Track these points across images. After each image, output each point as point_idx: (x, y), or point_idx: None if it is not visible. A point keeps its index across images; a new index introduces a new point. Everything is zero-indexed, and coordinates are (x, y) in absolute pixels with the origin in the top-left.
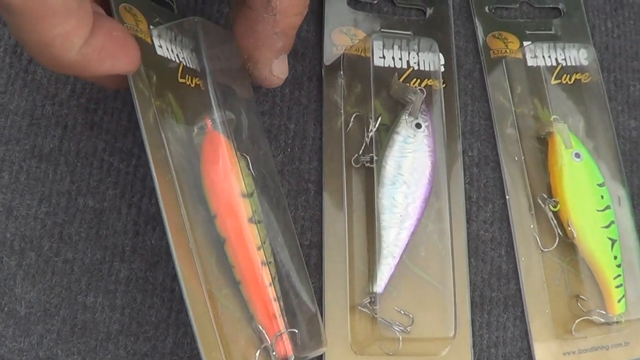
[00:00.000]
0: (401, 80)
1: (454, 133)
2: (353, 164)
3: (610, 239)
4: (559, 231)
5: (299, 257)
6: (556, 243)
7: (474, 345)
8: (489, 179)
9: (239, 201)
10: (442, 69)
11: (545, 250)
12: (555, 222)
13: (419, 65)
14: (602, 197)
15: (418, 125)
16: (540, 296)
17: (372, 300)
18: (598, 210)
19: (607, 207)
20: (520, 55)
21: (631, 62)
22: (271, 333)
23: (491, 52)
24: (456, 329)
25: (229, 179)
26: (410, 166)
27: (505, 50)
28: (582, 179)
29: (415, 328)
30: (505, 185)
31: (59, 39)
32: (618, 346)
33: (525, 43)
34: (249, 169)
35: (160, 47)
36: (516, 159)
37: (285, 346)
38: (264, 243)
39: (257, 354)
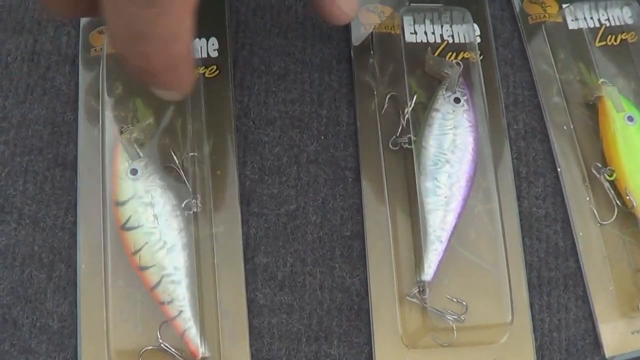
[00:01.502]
0: (435, 54)
1: (496, 106)
2: (391, 146)
3: None
4: (617, 201)
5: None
6: (615, 215)
7: (534, 330)
8: (537, 151)
9: (113, 209)
10: (478, 40)
11: (604, 223)
12: (612, 192)
13: (453, 38)
14: None
15: (457, 100)
16: (602, 273)
17: (421, 289)
18: None
19: None
20: (560, 19)
21: None
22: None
23: (529, 18)
24: (513, 313)
25: (110, 187)
26: (452, 144)
27: (544, 15)
28: (637, 143)
29: (470, 316)
30: (555, 157)
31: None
32: None
33: (564, 5)
34: (136, 174)
35: None
36: (565, 128)
37: (190, 347)
38: (142, 248)
39: (143, 352)
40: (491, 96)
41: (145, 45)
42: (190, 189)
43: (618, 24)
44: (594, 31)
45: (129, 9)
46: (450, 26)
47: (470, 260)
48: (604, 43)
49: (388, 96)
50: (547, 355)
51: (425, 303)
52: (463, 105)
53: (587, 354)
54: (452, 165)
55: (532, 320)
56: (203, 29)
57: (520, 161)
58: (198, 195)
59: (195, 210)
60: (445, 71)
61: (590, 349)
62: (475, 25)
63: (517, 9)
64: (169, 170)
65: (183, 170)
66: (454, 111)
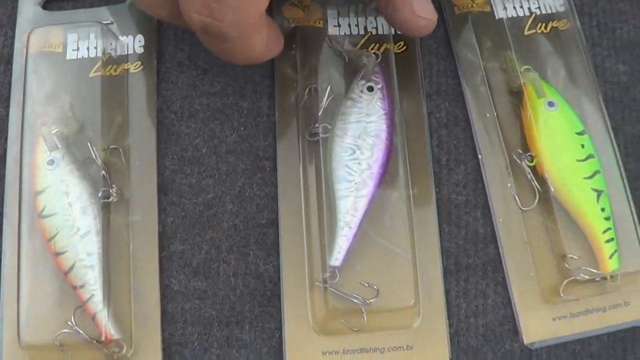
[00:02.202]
0: (359, 46)
1: (417, 95)
2: (307, 137)
3: (595, 190)
4: (539, 187)
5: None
6: (537, 200)
7: (450, 316)
8: (459, 139)
9: (32, 198)
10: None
11: (525, 209)
12: (533, 177)
13: (377, 29)
14: (582, 145)
15: (370, 89)
16: (522, 259)
17: (331, 274)
18: (578, 160)
19: (590, 156)
20: (488, 9)
21: (616, 3)
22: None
23: (455, 8)
24: (418, 296)
25: (30, 177)
26: (364, 131)
27: (472, 5)
28: (557, 129)
29: (383, 300)
30: (477, 144)
31: (257, 44)
32: (616, 307)
33: None
34: (53, 164)
35: (75, 49)
36: (488, 115)
37: (99, 329)
38: (56, 235)
39: (58, 335)
40: (412, 85)
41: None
42: (108, 179)
43: (549, 11)
44: (523, 19)
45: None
46: (375, 18)
47: (384, 247)
48: (533, 31)
49: (308, 88)
50: (463, 341)
51: (333, 288)
52: (377, 93)
53: (505, 340)
54: (363, 152)
55: (448, 306)
56: (130, 27)
57: (442, 149)
58: (114, 185)
59: (112, 199)
60: (363, 61)
61: (508, 335)
62: None
63: (443, 0)
64: (90, 162)
65: (104, 162)
66: (366, 99)
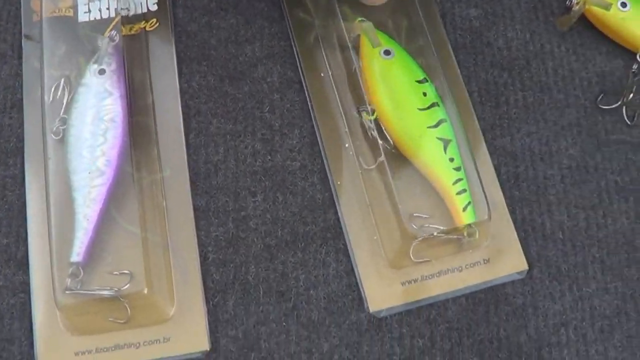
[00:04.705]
0: (111, 29)
1: (170, 72)
2: (53, 136)
3: (440, 139)
4: (381, 142)
5: None
6: (382, 157)
7: (288, 289)
8: (293, 103)
9: None
10: (156, 7)
11: (368, 168)
12: (375, 132)
13: (129, 10)
14: (424, 94)
15: (101, 72)
16: (364, 222)
17: (73, 272)
18: (420, 109)
19: (433, 105)
20: None
21: None
22: None
23: None
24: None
25: None
26: (96, 117)
27: None
28: (395, 77)
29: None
30: (310, 106)
31: None
32: (474, 265)
33: None
34: None
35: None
36: (322, 75)
37: None
38: None
39: None
40: (165, 63)
41: None
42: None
43: None
44: None
45: None
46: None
47: (135, 235)
48: None
49: (57, 82)
50: (304, 315)
51: (82, 288)
52: (110, 76)
53: (350, 311)
54: (97, 139)
55: (285, 278)
56: None
57: (274, 114)
58: None
59: None
60: (98, 45)
61: (353, 305)
62: None
63: None
64: None
65: None
66: (98, 83)
